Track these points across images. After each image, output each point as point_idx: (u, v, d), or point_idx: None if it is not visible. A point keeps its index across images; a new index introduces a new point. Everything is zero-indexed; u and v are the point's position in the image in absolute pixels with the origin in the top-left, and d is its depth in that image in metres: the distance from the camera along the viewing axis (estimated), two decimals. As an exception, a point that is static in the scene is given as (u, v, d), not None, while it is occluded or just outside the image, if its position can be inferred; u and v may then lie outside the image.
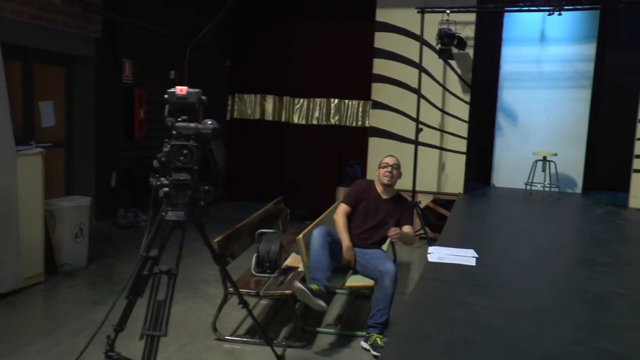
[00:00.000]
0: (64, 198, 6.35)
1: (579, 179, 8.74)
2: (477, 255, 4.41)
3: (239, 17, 10.17)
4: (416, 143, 7.95)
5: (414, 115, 8.02)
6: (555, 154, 8.09)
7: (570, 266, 4.73)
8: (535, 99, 8.80)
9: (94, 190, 7.90)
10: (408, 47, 8.32)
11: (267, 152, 10.13)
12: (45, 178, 5.69)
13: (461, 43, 7.82)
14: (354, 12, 9.37)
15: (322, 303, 4.23)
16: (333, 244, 4.63)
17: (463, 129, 8.34)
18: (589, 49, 8.58)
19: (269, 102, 10.17)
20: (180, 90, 3.11)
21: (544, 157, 8.09)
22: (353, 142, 9.64)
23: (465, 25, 8.05)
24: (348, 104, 9.77)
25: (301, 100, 9.96)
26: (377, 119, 8.60)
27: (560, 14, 7.56)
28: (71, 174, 7.85)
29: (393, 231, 4.70)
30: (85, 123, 7.84)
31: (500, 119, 8.97)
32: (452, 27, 7.75)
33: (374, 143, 8.57)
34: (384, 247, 5.14)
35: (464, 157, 8.36)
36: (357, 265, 4.79)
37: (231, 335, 4.52)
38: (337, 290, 5.34)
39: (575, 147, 8.62)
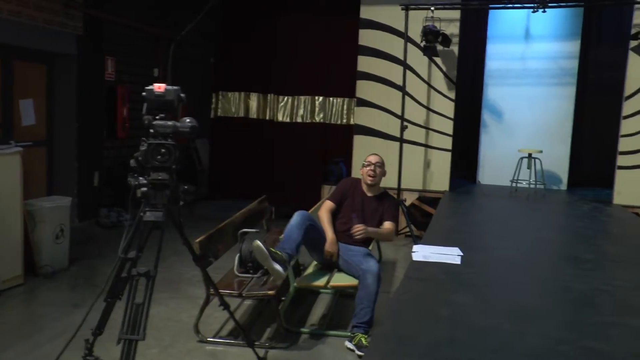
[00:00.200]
0: (44, 198, 6.24)
1: (564, 176, 8.75)
2: (462, 254, 4.38)
3: (223, 14, 10.07)
4: (401, 140, 7.91)
5: (399, 113, 7.98)
6: (541, 151, 8.09)
7: (555, 263, 4.71)
8: (520, 96, 8.79)
9: (76, 189, 7.81)
10: (392, 45, 8.29)
11: (252, 150, 10.04)
12: (25, 178, 5.58)
13: (446, 40, 7.79)
14: (338, 9, 9.31)
15: (279, 268, 4.18)
16: (313, 230, 4.64)
17: (448, 126, 8.31)
18: (573, 46, 8.58)
19: (253, 100, 10.08)
20: (159, 87, 3.04)
21: (530, 154, 8.09)
22: (338, 140, 9.58)
23: (449, 22, 8.02)
24: (333, 101, 9.70)
25: (285, 98, 9.88)
26: (362, 116, 8.56)
27: (544, 11, 7.54)
28: (53, 173, 7.75)
29: (356, 228, 4.68)
30: (66, 121, 7.74)
31: (486, 116, 8.95)
32: (437, 24, 7.72)
33: (358, 141, 8.53)
34: (370, 246, 5.10)
35: (449, 154, 8.34)
36: (341, 261, 4.75)
37: (214, 337, 4.47)
38: (322, 290, 5.30)
39: (560, 144, 8.62)
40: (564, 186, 8.73)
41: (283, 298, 4.77)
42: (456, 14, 8.10)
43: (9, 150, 5.45)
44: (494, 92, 8.90)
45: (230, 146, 10.19)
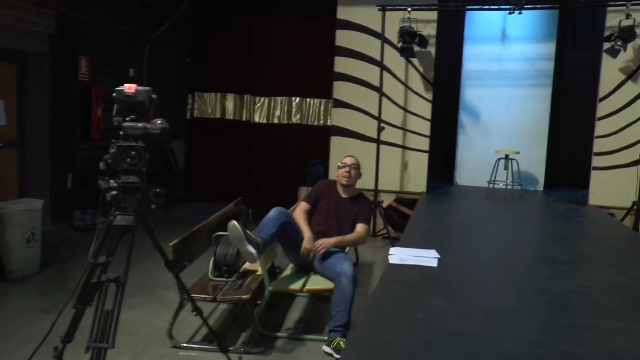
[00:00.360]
0: (14, 201, 6.10)
1: (541, 177, 8.81)
2: (439, 256, 4.35)
3: (198, 14, 10.00)
4: (378, 142, 7.90)
5: (376, 114, 7.97)
6: (518, 152, 8.13)
7: (531, 265, 4.71)
8: (497, 97, 8.84)
9: (49, 192, 7.66)
10: (369, 45, 8.27)
11: (229, 151, 9.99)
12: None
13: (423, 41, 7.79)
14: (314, 10, 9.29)
15: (252, 250, 4.16)
16: (289, 227, 4.63)
17: (425, 127, 8.31)
18: (549, 48, 8.65)
19: (230, 101, 10.02)
20: (129, 88, 2.96)
21: (506, 155, 8.12)
22: (315, 141, 9.57)
23: (426, 23, 8.02)
24: (309, 102, 9.68)
25: (262, 99, 9.84)
26: (339, 117, 8.52)
27: (520, 13, 7.59)
28: (24, 175, 7.59)
29: (317, 245, 4.62)
30: (39, 122, 7.59)
31: (463, 117, 8.98)
32: (414, 25, 7.72)
33: (335, 142, 8.50)
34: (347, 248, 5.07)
35: (426, 155, 8.34)
36: (316, 263, 4.71)
37: (188, 343, 4.38)
38: (298, 294, 5.25)
39: (536, 145, 8.67)
40: (540, 187, 8.79)
41: (258, 302, 4.69)
42: (433, 15, 8.10)
43: (-24, 152, 5.31)
44: (471, 93, 8.92)
45: (207, 147, 10.12)
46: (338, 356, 4.11)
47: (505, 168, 8.13)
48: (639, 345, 2.88)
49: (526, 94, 8.76)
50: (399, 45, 7.81)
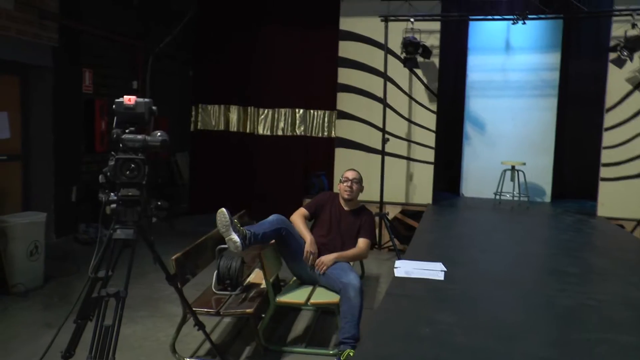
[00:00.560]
0: (17, 214, 6.06)
1: (548, 188, 8.72)
2: (445, 269, 4.28)
3: (202, 26, 10.00)
4: (383, 153, 7.84)
5: (381, 125, 7.92)
6: (524, 163, 8.06)
7: (539, 278, 4.63)
8: (502, 108, 8.77)
9: (53, 205, 7.63)
10: (373, 56, 8.23)
11: (233, 163, 9.95)
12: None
13: (426, 52, 7.75)
14: (317, 21, 9.27)
15: (237, 239, 4.20)
16: (289, 237, 4.65)
17: (430, 138, 8.26)
18: (554, 58, 8.59)
19: (234, 113, 10.00)
20: (129, 100, 2.93)
21: (513, 167, 8.05)
22: (319, 153, 9.53)
23: (430, 33, 7.99)
24: (313, 114, 9.65)
25: (266, 111, 9.81)
26: (343, 129, 8.48)
27: (524, 23, 7.54)
28: (29, 188, 7.56)
29: (317, 264, 4.62)
30: (42, 135, 7.57)
31: (468, 128, 8.91)
32: (417, 36, 7.68)
33: (340, 153, 8.44)
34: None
35: (432, 167, 8.27)
36: (321, 275, 4.65)
37: (191, 357, 4.32)
38: (303, 307, 5.17)
39: (543, 156, 8.60)
40: (547, 198, 8.70)
41: (262, 315, 4.63)
42: (436, 25, 8.07)
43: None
44: (476, 104, 8.87)
45: (211, 159, 10.09)
46: None
47: (512, 179, 8.05)
48: (653, 361, 2.80)
49: (531, 104, 8.69)
50: (403, 56, 7.77)
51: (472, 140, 8.91)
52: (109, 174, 2.85)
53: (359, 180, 5.00)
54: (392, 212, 8.16)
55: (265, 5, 9.68)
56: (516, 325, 3.30)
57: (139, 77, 9.18)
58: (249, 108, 9.98)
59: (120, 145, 2.90)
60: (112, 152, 2.90)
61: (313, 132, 9.69)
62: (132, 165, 2.82)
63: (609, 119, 7.75)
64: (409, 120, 8.29)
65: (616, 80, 7.66)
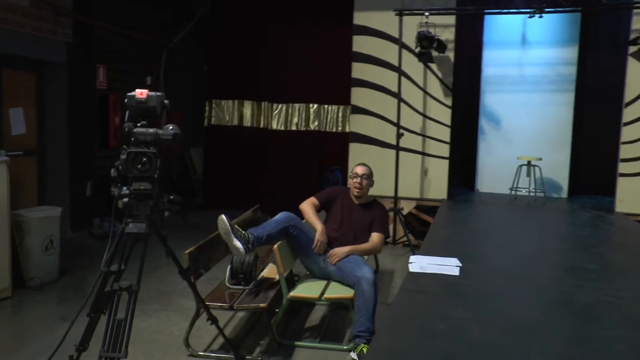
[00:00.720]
0: (33, 208, 6.10)
1: (565, 184, 8.61)
2: (460, 264, 4.23)
3: (215, 21, 9.99)
4: (397, 148, 7.79)
5: (395, 120, 7.86)
6: (540, 159, 7.97)
7: (557, 274, 4.57)
8: (518, 103, 8.66)
9: (68, 199, 7.68)
10: (387, 51, 8.16)
11: (246, 158, 9.95)
12: (15, 188, 5.45)
13: (441, 46, 7.68)
14: (331, 15, 9.23)
15: (239, 244, 4.23)
16: (300, 234, 4.64)
17: (445, 133, 8.19)
18: (571, 52, 8.47)
19: (247, 108, 9.99)
20: (140, 94, 2.92)
21: (529, 162, 7.96)
22: (333, 148, 9.50)
23: (444, 27, 7.91)
24: (327, 109, 9.61)
25: (280, 106, 9.79)
26: (357, 124, 8.43)
27: (541, 17, 7.44)
28: (44, 183, 7.62)
29: (330, 255, 4.63)
30: (57, 130, 7.62)
31: (483, 123, 8.82)
32: (432, 30, 7.61)
33: (354, 148, 8.40)
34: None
35: (446, 162, 8.20)
36: (334, 269, 4.65)
37: (205, 351, 4.32)
38: (316, 302, 5.16)
39: (559, 151, 8.49)
40: (564, 194, 8.59)
41: (276, 310, 4.62)
42: (451, 19, 7.99)
43: (-5, 159, 5.31)
44: (491, 99, 8.77)
45: (225, 154, 10.10)
46: None
47: (528, 175, 7.96)
48: (673, 358, 2.74)
49: (548, 99, 8.58)
50: (417, 50, 7.70)
51: (487, 135, 8.83)
52: (120, 167, 2.84)
53: (368, 176, 4.97)
54: (407, 207, 8.11)
55: (280, 0, 9.66)
56: (533, 321, 3.25)
57: (152, 73, 9.20)
58: (262, 103, 9.97)
59: (132, 139, 2.89)
60: (124, 146, 2.88)
61: (327, 127, 9.66)
62: (144, 159, 2.81)
63: (628, 114, 7.63)
64: (424, 115, 8.22)
65: (636, 74, 7.53)
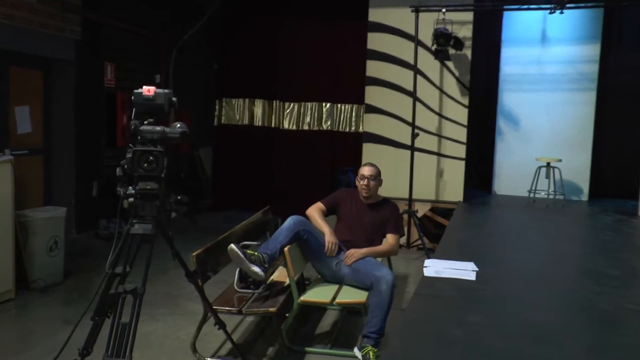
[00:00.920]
0: (37, 209, 6.12)
1: (585, 186, 8.54)
2: (477, 269, 4.20)
3: (226, 18, 10.00)
4: (412, 149, 7.75)
5: (410, 120, 7.83)
6: (560, 160, 7.91)
7: (577, 280, 4.52)
8: (537, 102, 8.60)
9: (74, 200, 7.70)
10: (402, 48, 8.14)
11: (257, 158, 9.94)
12: (20, 187, 5.46)
13: (458, 43, 7.64)
14: (345, 12, 9.21)
15: (257, 269, 4.23)
16: (310, 237, 4.61)
17: (462, 133, 8.15)
18: (593, 50, 8.39)
19: (258, 107, 9.99)
20: (148, 91, 2.91)
21: (548, 163, 7.91)
22: (346, 148, 9.47)
23: (462, 24, 7.87)
24: (340, 108, 9.59)
25: (291, 105, 9.78)
26: (371, 123, 8.40)
27: (561, 13, 7.38)
28: (50, 183, 7.64)
29: (347, 256, 4.62)
30: (64, 129, 7.64)
31: (501, 123, 8.77)
32: (449, 27, 7.57)
33: (368, 149, 8.37)
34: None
35: (463, 163, 8.16)
36: (347, 272, 4.62)
37: (212, 357, 4.30)
38: (328, 307, 5.13)
39: (580, 153, 8.42)
40: (584, 197, 8.52)
41: (286, 315, 4.59)
42: (469, 16, 7.95)
43: (-1, 158, 5.33)
44: (510, 98, 8.72)
45: (235, 154, 10.10)
46: None
47: (547, 176, 7.92)
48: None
49: (568, 98, 8.51)
50: (434, 48, 7.66)
51: (505, 136, 8.78)
52: (126, 166, 2.83)
53: (375, 176, 4.92)
54: (422, 209, 8.08)
55: (291, -4, 9.67)
56: (553, 328, 3.22)
57: (161, 71, 9.22)
58: (274, 102, 9.96)
59: (139, 137, 2.87)
60: (130, 144, 2.87)
61: (340, 127, 9.64)
62: (151, 158, 2.79)
63: (652, 114, 7.56)
64: (440, 115, 8.18)
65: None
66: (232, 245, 4.23)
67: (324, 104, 9.65)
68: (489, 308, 3.52)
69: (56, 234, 5.87)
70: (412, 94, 7.84)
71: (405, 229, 7.64)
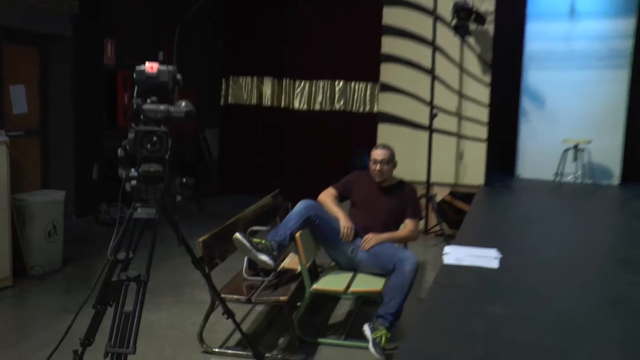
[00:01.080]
0: (35, 192, 6.16)
1: (616, 169, 8.48)
2: (500, 256, 4.18)
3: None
4: (430, 130, 7.73)
5: (428, 99, 7.80)
6: (589, 142, 7.86)
7: (607, 269, 4.49)
8: (565, 81, 8.53)
9: (73, 183, 7.72)
10: (420, 23, 8.09)
11: (266, 140, 9.96)
12: (16, 170, 5.49)
13: (480, 18, 7.59)
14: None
15: (265, 258, 4.26)
16: (322, 223, 4.62)
17: (483, 113, 8.11)
18: (627, 24, 8.28)
19: (267, 86, 9.99)
20: (150, 67, 2.90)
21: (576, 145, 7.87)
22: (360, 129, 9.47)
23: (484, -3, 7.82)
24: (354, 86, 9.57)
25: (302, 83, 9.77)
26: (387, 103, 8.37)
27: (593, -16, 7.29)
28: (48, 165, 7.66)
29: (365, 240, 4.63)
30: (62, 109, 7.64)
31: (525, 103, 8.72)
32: (470, 1, 7.51)
33: (383, 130, 8.35)
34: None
35: (484, 145, 8.14)
36: (364, 257, 4.63)
37: (220, 348, 4.33)
38: (342, 296, 5.14)
39: (611, 134, 8.34)
40: (615, 181, 8.46)
41: (298, 304, 4.61)
42: (492, -13, 7.89)
43: (-6, 140, 5.35)
44: (535, 76, 8.66)
45: (243, 136, 10.12)
46: (374, 352, 4.02)
47: (575, 159, 7.89)
48: None
49: (599, 76, 8.43)
50: (453, 23, 7.62)
51: (530, 116, 8.72)
52: (128, 147, 2.83)
53: (389, 160, 4.88)
54: (440, 193, 8.08)
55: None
56: (581, 321, 3.21)
57: (165, 47, 9.20)
58: (284, 80, 9.95)
59: (141, 116, 2.86)
60: (132, 124, 2.86)
61: (354, 107, 9.64)
62: (154, 138, 2.79)
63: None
64: (460, 94, 8.15)
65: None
66: (237, 234, 4.23)
67: (336, 82, 9.64)
68: (512, 298, 3.50)
69: (55, 218, 5.91)
70: (431, 72, 7.79)
71: (423, 214, 7.64)
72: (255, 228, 4.87)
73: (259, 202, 5.59)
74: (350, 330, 4.73)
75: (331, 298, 5.27)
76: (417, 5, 8.13)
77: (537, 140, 8.65)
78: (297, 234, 4.39)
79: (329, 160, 9.48)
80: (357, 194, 4.94)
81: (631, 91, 8.38)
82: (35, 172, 7.46)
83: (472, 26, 7.69)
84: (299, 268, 4.60)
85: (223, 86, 10.18)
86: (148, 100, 2.89)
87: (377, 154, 4.88)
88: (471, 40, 8.03)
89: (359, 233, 4.72)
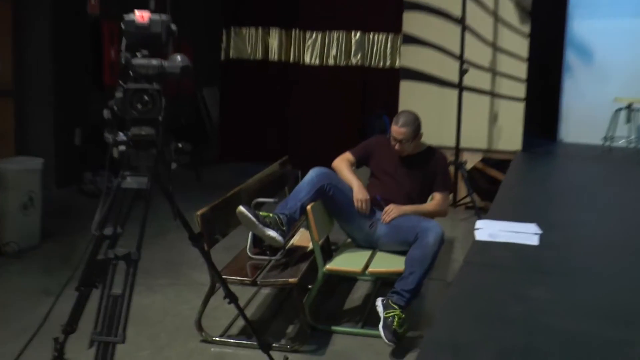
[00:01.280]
0: (9, 159, 6.21)
1: (676, 133, 8.46)
2: (540, 232, 4.17)
3: None
4: (460, 87, 7.71)
5: (458, 52, 7.74)
6: (644, 101, 7.83)
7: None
8: (617, 31, 8.49)
9: (53, 149, 7.78)
10: (449, -36, 8.02)
11: (272, 100, 9.96)
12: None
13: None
14: None
15: (272, 234, 4.27)
16: (337, 193, 4.61)
17: (521, 69, 8.07)
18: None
19: (274, 38, 9.99)
20: (141, 17, 2.87)
21: (629, 105, 7.86)
22: (379, 87, 9.49)
23: None
24: (373, 38, 9.56)
25: (314, 34, 9.76)
26: (410, 57, 8.35)
27: None
28: (24, 129, 7.72)
29: (386, 212, 4.62)
30: (40, 66, 7.70)
31: (570, 57, 8.69)
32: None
33: (406, 88, 8.33)
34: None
35: (522, 105, 8.12)
36: (384, 232, 4.64)
37: (221, 336, 4.37)
38: (358, 277, 5.16)
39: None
40: (676, 146, 8.44)
41: (309, 287, 4.64)
42: None
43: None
44: (582, 26, 8.62)
45: (246, 96, 10.14)
46: (383, 333, 4.04)
47: (628, 121, 7.89)
48: None
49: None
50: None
51: (575, 72, 8.70)
52: (116, 108, 2.81)
53: (410, 138, 4.74)
54: (471, 160, 8.09)
55: None
56: (632, 306, 3.20)
57: (156, -6, 9.17)
58: (293, 31, 9.94)
59: (131, 72, 2.84)
60: (121, 82, 2.85)
61: (372, 62, 9.64)
62: (145, 97, 2.76)
63: None
64: (494, 46, 8.11)
65: None
66: (241, 207, 4.24)
67: (353, 33, 9.63)
68: (555, 280, 3.50)
69: (31, 189, 5.95)
70: (461, 21, 7.72)
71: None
72: (260, 200, 4.89)
73: (264, 171, 5.61)
74: (368, 316, 4.74)
75: (347, 280, 5.31)
76: (445, -57, 8.07)
77: (583, 99, 8.63)
78: (309, 207, 4.38)
79: (344, 123, 9.51)
80: (377, 162, 4.91)
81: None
82: (9, 136, 7.52)
83: (510, -33, 7.64)
84: (310, 245, 4.63)
85: (224, 38, 10.17)
86: (138, 55, 2.86)
87: (396, 131, 4.75)
88: (508, -17, 7.97)
89: (379, 205, 4.70)
